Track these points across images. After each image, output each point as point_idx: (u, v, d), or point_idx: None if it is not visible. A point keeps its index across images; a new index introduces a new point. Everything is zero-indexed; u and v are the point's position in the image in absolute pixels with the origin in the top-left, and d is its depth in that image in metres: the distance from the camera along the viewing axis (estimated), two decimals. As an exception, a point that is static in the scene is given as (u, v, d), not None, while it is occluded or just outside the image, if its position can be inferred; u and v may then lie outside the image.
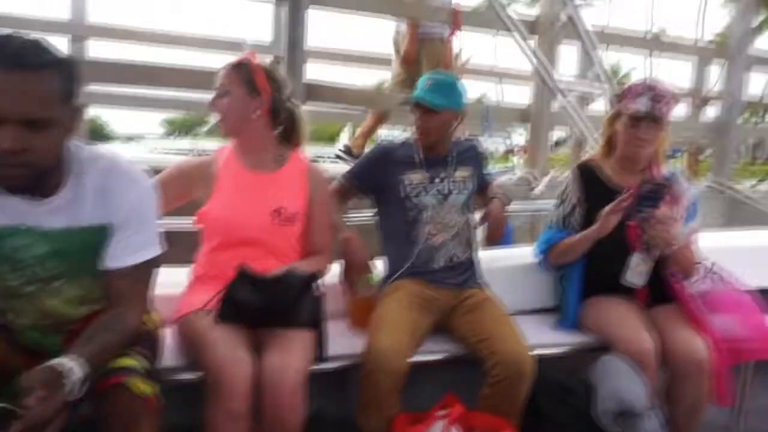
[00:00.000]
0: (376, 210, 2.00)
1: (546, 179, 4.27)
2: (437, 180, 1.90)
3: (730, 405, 1.86)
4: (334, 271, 1.81)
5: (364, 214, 2.13)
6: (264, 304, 1.46)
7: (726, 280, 1.95)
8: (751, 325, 1.87)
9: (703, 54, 6.69)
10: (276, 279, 1.49)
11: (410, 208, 1.87)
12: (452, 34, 4.17)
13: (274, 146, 1.72)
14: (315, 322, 1.52)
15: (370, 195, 1.98)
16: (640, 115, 1.86)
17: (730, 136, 5.33)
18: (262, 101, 1.64)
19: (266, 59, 1.80)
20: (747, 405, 2.12)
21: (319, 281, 1.60)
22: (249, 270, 1.50)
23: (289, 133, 1.74)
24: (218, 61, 1.73)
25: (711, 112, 6.83)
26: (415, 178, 1.88)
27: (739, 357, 1.87)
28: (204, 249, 1.69)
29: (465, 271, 1.90)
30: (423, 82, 1.89)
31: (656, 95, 1.85)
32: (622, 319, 1.84)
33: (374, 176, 1.93)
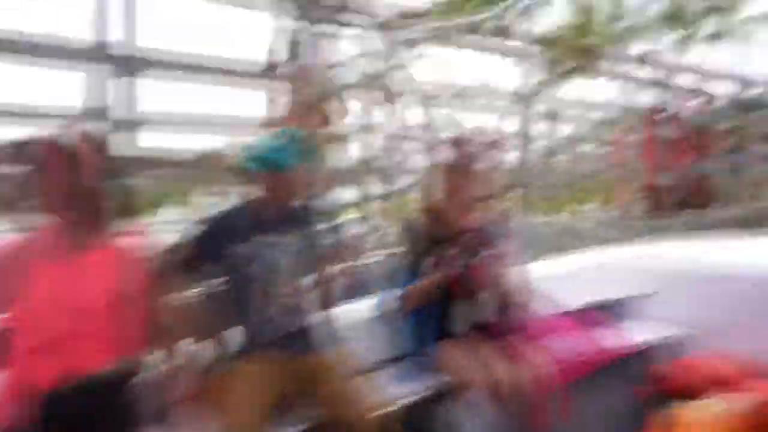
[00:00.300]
0: (214, 281, 1.85)
1: (392, 229, 4.45)
2: (275, 244, 1.81)
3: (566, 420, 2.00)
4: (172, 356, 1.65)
5: (202, 287, 1.97)
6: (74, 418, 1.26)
7: (552, 305, 2.16)
8: (578, 342, 2.09)
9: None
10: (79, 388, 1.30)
11: (249, 277, 1.76)
12: None
13: (93, 226, 1.55)
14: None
15: (206, 266, 1.83)
16: (451, 164, 2.05)
17: (532, 175, 6.07)
18: (79, 176, 1.48)
19: (86, 129, 1.62)
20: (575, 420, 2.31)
21: (142, 375, 1.45)
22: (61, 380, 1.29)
23: (112, 209, 1.59)
24: (30, 133, 1.54)
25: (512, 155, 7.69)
26: (251, 244, 1.78)
27: (574, 374, 2.06)
28: (17, 352, 1.44)
29: (306, 337, 1.82)
30: (264, 143, 1.84)
31: (464, 146, 2.07)
32: (473, 358, 1.93)
33: (210, 247, 1.78)
